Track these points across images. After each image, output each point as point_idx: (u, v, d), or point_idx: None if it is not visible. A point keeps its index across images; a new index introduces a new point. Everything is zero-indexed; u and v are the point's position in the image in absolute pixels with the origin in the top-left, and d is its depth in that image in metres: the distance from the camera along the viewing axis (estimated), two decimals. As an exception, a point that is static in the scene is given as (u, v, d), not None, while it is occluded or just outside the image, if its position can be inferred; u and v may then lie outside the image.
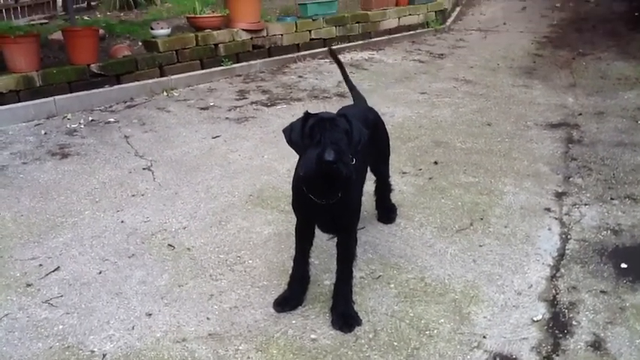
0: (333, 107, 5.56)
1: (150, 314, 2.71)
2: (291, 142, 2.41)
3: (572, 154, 4.68)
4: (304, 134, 2.32)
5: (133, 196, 3.93)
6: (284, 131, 2.46)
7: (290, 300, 2.74)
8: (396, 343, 2.52)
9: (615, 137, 5.03)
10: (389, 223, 3.53)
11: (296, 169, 2.62)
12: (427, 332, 2.59)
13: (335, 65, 3.12)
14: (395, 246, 3.29)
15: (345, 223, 2.57)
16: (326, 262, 3.09)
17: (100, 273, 3.04)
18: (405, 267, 3.08)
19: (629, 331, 2.58)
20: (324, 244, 3.22)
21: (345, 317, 2.61)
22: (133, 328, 2.62)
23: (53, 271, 3.05)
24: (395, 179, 3.62)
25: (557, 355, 2.44)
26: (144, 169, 4.36)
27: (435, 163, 4.50)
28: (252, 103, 6.04)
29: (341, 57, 8.14)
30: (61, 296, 2.84)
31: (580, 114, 5.73)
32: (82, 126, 5.28)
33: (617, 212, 3.68)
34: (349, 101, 3.49)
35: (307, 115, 2.38)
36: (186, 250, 3.26)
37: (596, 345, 2.49)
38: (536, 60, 8.25)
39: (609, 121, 5.48)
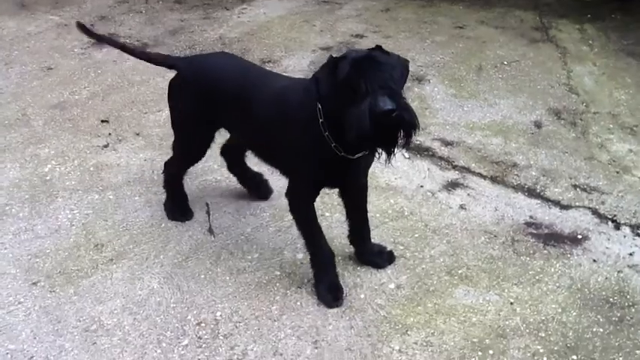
0: None
1: None
2: (321, 98, 1.85)
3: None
4: (339, 85, 1.77)
5: None
6: (306, 90, 1.89)
7: (340, 287, 2.21)
8: (409, 254, 2.43)
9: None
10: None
11: (305, 125, 1.96)
12: (401, 217, 2.62)
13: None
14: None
15: (368, 170, 2.24)
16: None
17: None
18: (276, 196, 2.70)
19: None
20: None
21: (381, 252, 2.37)
22: None
23: None
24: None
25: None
26: None
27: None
28: None
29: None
30: None
31: None
32: None
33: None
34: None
35: (334, 59, 1.84)
36: None
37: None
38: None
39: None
